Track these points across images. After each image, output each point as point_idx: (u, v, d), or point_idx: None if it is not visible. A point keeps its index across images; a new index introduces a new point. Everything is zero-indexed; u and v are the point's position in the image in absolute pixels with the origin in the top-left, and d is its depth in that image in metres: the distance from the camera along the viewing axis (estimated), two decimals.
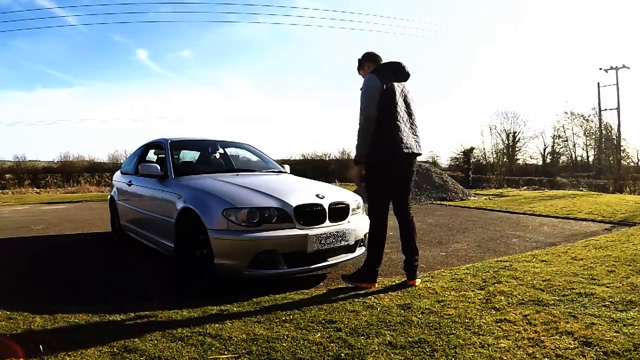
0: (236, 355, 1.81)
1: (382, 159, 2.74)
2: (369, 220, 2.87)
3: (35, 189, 18.76)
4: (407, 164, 2.85)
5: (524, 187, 16.16)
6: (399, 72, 2.86)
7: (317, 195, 3.03)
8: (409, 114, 2.86)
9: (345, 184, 17.74)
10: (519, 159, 28.82)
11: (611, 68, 22.69)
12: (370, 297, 2.56)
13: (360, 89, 2.80)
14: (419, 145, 2.86)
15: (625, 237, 4.36)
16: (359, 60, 3.02)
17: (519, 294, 2.54)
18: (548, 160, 29.02)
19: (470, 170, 17.74)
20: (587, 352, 1.76)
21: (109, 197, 5.35)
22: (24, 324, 2.15)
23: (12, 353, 1.81)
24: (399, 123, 2.75)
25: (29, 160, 23.17)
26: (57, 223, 6.78)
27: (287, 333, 2.02)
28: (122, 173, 5.00)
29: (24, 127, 46.35)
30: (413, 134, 2.83)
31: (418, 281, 2.82)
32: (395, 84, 2.81)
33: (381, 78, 2.74)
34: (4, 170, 21.54)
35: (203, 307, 2.42)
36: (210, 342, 1.92)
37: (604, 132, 23.99)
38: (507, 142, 27.87)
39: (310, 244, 2.80)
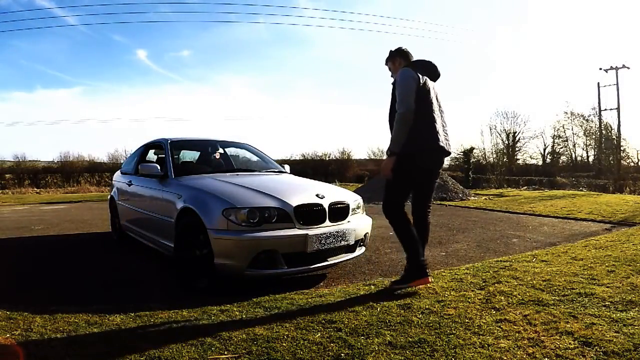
0: (236, 355, 1.81)
1: (416, 151, 2.64)
2: (388, 219, 2.74)
3: (35, 189, 18.75)
4: (438, 162, 2.81)
5: (524, 187, 16.19)
6: (431, 70, 2.83)
7: (317, 195, 3.04)
8: (441, 112, 2.82)
9: (345, 184, 17.76)
10: (519, 159, 28.83)
11: (611, 68, 22.66)
12: (370, 297, 2.56)
13: (392, 84, 2.77)
14: (449, 145, 2.80)
15: (625, 237, 4.36)
16: (391, 52, 2.96)
17: (519, 294, 2.54)
18: (548, 160, 29.00)
19: (470, 170, 17.74)
20: (587, 352, 1.76)
21: (108, 197, 5.36)
22: (24, 324, 2.14)
23: (12, 353, 1.81)
24: (435, 116, 2.71)
25: (29, 160, 23.16)
26: (57, 223, 6.78)
27: (287, 333, 2.02)
28: (122, 173, 5.00)
29: (24, 127, 46.55)
30: (444, 132, 2.77)
31: None
32: (429, 81, 2.78)
33: (417, 72, 2.71)
34: (4, 170, 21.53)
35: (203, 307, 2.42)
36: (210, 342, 1.92)
37: (604, 132, 23.96)
38: (507, 142, 27.87)
39: (310, 243, 2.80)
